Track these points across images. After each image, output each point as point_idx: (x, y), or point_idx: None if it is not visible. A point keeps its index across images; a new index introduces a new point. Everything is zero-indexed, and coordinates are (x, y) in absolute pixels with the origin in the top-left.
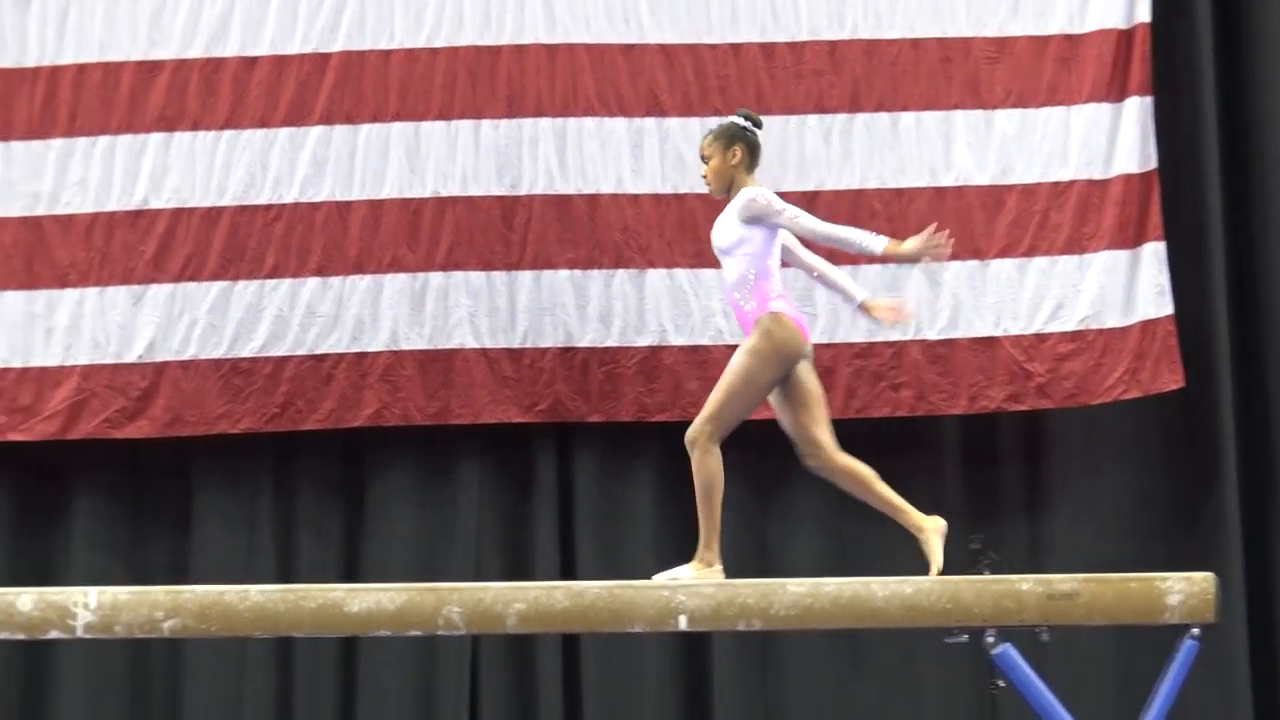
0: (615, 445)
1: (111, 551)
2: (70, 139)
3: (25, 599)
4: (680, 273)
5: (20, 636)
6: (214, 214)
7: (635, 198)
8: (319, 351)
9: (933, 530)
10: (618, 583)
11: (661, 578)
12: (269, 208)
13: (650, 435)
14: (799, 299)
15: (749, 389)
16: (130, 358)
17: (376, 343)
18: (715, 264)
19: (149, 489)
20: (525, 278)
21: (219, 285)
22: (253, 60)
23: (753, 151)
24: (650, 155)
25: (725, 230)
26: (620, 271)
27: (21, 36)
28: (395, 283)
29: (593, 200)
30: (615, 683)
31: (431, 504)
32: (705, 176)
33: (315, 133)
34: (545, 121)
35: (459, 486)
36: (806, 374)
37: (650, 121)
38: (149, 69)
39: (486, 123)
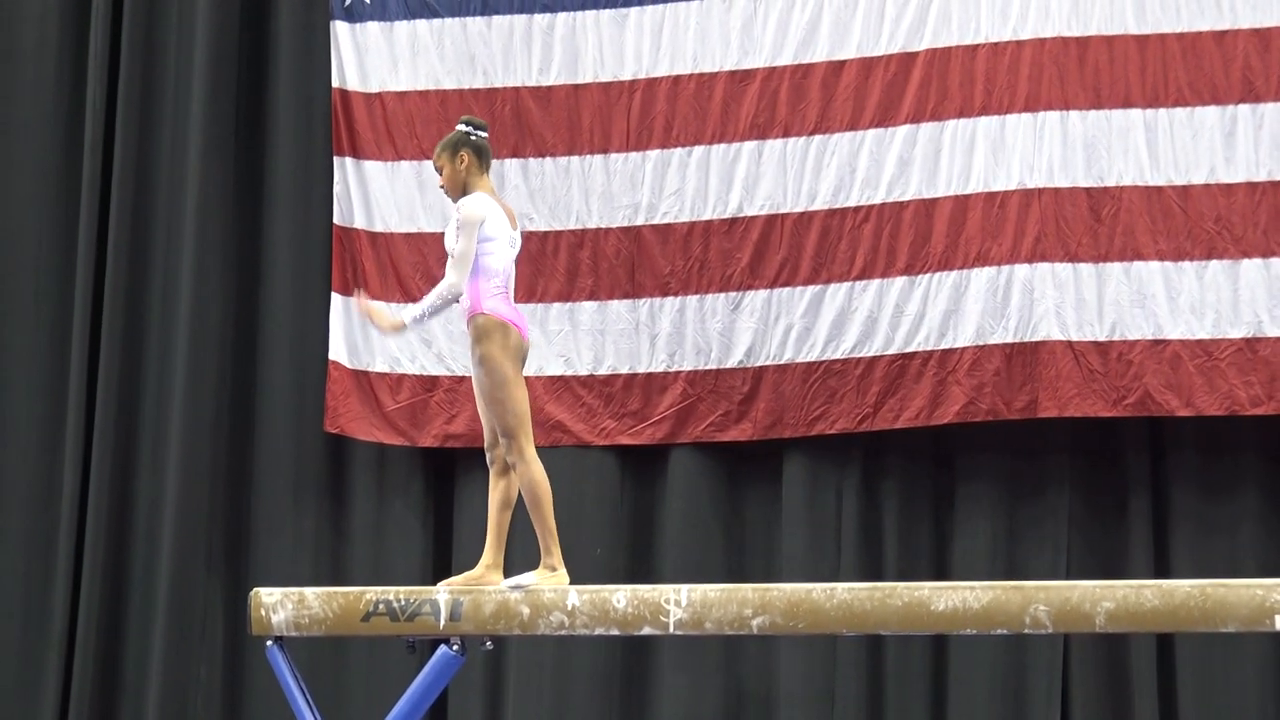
0: (1210, 440)
1: (701, 549)
2: (666, 150)
3: (619, 596)
4: (1277, 262)
5: (615, 632)
6: (805, 219)
7: (1229, 187)
8: (908, 350)
9: (552, 577)
10: (1209, 581)
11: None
12: (857, 210)
13: (1246, 429)
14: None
15: (506, 388)
16: (730, 363)
17: (962, 338)
18: None
19: (741, 489)
20: (1114, 269)
21: (811, 289)
22: (841, 64)
23: (479, 154)
24: (1244, 142)
25: (449, 231)
26: (1213, 262)
27: (619, 51)
28: (980, 277)
29: (1184, 191)
30: (1212, 687)
31: (1020, 503)
32: (442, 186)
33: (902, 132)
34: (1135, 112)
35: (1048, 484)
36: None
37: (1244, 108)
38: (740, 78)
39: (1074, 114)
